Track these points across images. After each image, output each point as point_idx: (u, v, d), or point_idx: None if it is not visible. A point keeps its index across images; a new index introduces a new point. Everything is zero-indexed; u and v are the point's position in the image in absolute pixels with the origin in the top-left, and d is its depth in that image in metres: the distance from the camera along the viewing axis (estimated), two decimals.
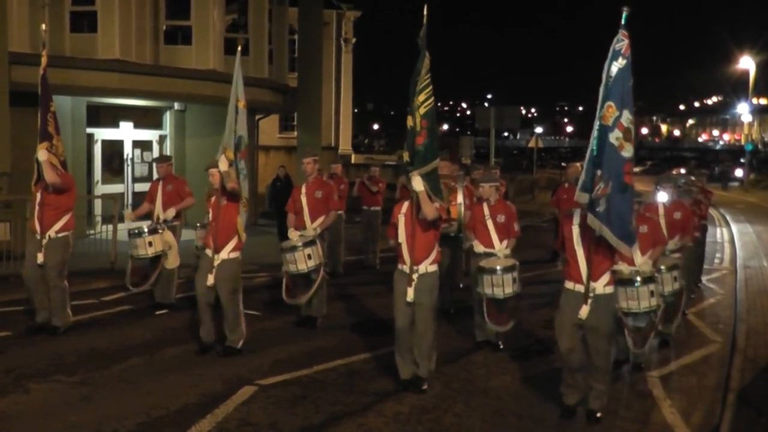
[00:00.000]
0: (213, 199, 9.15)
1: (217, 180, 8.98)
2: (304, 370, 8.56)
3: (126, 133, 20.62)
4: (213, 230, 9.01)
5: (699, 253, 13.92)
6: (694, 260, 12.96)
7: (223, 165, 8.79)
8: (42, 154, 9.59)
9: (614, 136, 6.60)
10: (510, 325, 9.41)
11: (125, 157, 20.41)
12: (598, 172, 6.65)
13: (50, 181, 9.59)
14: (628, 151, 6.64)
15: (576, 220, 7.14)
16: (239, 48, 9.41)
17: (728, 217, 30.42)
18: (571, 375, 7.25)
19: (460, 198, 10.88)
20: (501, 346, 9.64)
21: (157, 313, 11.19)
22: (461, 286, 12.70)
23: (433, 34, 8.09)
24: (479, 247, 9.71)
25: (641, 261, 8.04)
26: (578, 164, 10.61)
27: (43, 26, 11.28)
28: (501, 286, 9.18)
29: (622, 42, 6.59)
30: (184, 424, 6.83)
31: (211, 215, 9.13)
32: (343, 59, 40.56)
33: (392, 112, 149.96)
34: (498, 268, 9.22)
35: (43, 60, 10.13)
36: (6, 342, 9.48)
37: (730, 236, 24.33)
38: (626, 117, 6.60)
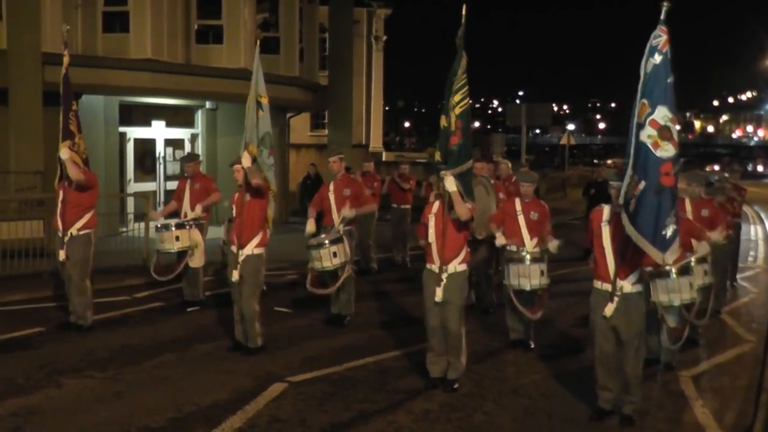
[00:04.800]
0: (237, 195, 9.16)
1: (241, 176, 8.99)
2: (334, 367, 8.58)
3: (158, 131, 20.79)
4: (237, 226, 9.01)
5: (733, 251, 13.75)
6: (729, 258, 12.81)
7: (246, 161, 8.79)
8: (64, 152, 9.69)
9: (646, 134, 6.35)
10: (539, 314, 9.37)
11: (157, 155, 20.58)
12: (631, 172, 6.50)
13: (74, 178, 9.67)
14: (665, 151, 6.32)
15: (605, 216, 7.06)
16: (258, 43, 9.44)
17: (762, 215, 30.07)
18: (604, 375, 7.18)
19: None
20: (532, 346, 9.58)
21: (189, 310, 11.26)
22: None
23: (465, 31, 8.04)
24: (500, 239, 9.61)
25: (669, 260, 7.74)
26: (611, 162, 10.51)
27: (66, 26, 11.38)
28: (528, 277, 9.14)
29: (659, 38, 6.35)
30: (214, 420, 6.86)
31: (234, 211, 9.13)
32: (374, 57, 40.57)
33: (423, 110, 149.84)
34: (527, 257, 9.20)
35: (65, 59, 10.23)
36: (39, 337, 9.60)
37: (765, 234, 24.09)
38: (662, 114, 6.32)
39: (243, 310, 8.96)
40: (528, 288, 9.19)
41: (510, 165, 14.22)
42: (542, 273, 9.22)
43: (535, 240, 9.51)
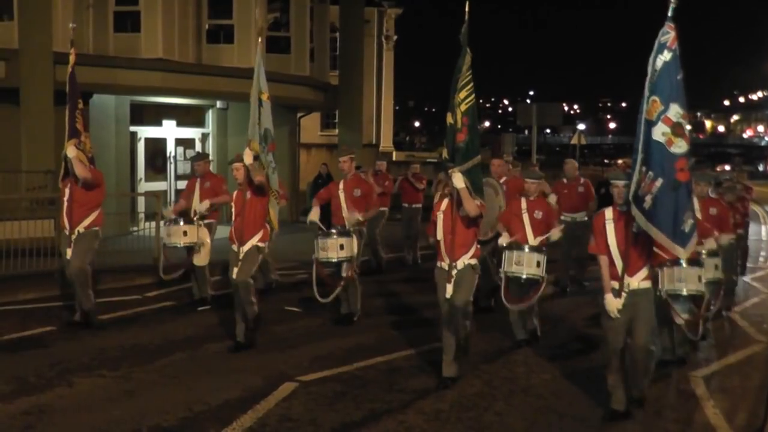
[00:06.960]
0: (237, 193, 9.16)
1: (242, 174, 8.99)
2: (344, 366, 8.58)
3: (169, 131, 20.85)
4: (238, 224, 9.02)
5: (742, 249, 13.70)
6: (735, 258, 12.73)
7: (247, 158, 8.80)
8: (71, 151, 9.71)
9: (660, 131, 6.36)
10: (527, 303, 9.27)
11: (168, 155, 20.64)
12: (643, 169, 6.50)
13: (81, 176, 9.68)
14: (679, 147, 6.35)
15: (609, 215, 7.05)
16: (260, 40, 9.45)
17: None
18: (615, 375, 7.15)
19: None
20: (539, 334, 9.55)
21: (200, 309, 11.27)
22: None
23: (474, 30, 8.07)
24: (505, 238, 9.52)
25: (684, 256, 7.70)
26: (621, 161, 10.44)
27: (72, 24, 11.38)
28: (522, 264, 9.07)
29: (667, 34, 6.36)
30: (225, 419, 6.88)
31: (235, 210, 9.13)
32: (385, 56, 40.56)
33: (433, 109, 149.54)
34: (525, 246, 9.16)
35: (72, 58, 10.26)
36: (50, 336, 9.63)
37: None
38: (674, 111, 6.35)
39: (241, 302, 9.02)
40: (523, 276, 9.08)
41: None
42: (539, 264, 9.11)
43: (539, 239, 9.46)
